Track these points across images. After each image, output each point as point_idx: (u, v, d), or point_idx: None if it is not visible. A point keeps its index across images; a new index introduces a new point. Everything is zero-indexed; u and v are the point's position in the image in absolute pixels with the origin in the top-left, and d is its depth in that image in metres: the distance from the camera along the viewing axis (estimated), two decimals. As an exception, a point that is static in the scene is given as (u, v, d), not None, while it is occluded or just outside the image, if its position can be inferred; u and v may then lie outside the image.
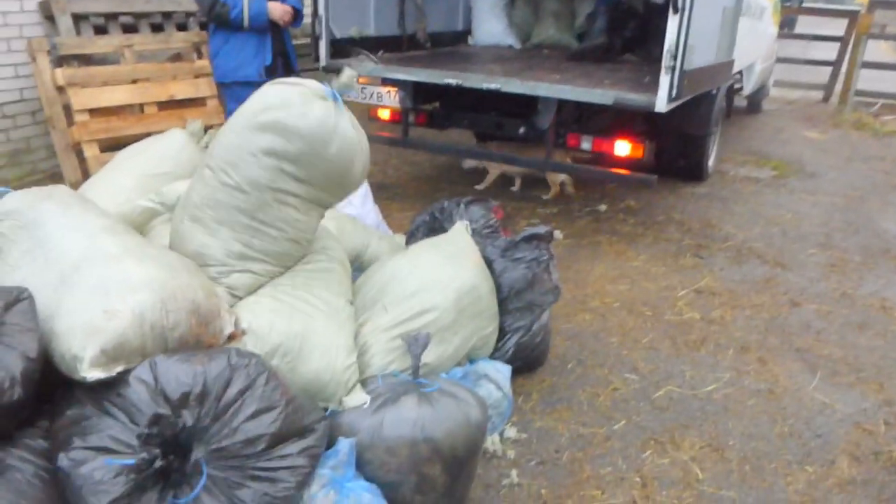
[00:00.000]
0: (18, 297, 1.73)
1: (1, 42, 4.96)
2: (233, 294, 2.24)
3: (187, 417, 1.65)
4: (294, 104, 2.12)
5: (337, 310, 2.36)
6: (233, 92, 4.67)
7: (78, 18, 5.21)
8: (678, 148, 5.85)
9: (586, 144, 4.74)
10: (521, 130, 4.84)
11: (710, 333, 3.66)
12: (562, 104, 4.50)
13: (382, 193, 4.95)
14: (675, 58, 3.87)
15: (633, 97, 4.16)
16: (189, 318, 1.90)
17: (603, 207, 5.50)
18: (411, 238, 3.55)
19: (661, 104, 3.99)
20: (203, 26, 5.82)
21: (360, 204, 3.62)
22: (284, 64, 4.79)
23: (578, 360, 3.33)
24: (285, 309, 2.21)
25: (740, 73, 6.69)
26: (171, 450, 1.64)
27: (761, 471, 2.66)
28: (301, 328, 2.17)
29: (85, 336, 1.70)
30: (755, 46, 6.79)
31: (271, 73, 4.58)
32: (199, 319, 1.94)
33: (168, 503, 1.62)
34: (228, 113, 4.68)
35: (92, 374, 1.66)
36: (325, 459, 2.01)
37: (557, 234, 4.91)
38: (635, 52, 6.31)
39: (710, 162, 6.33)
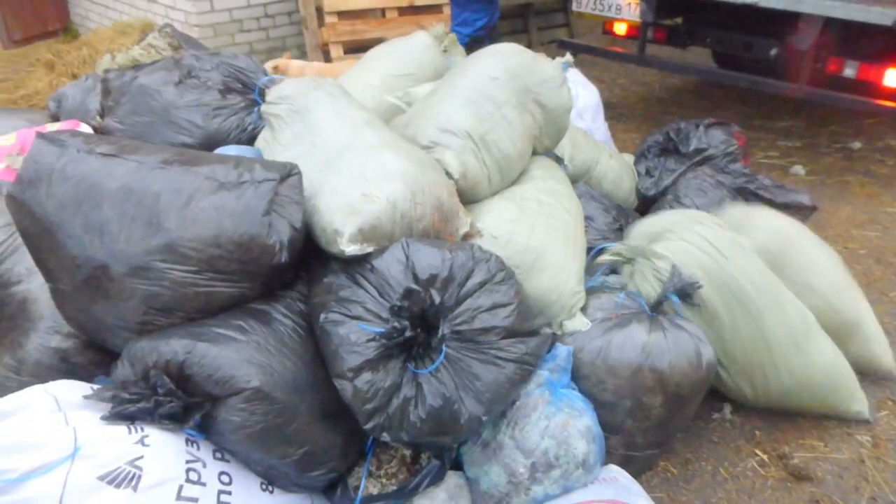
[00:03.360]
0: (290, 172, 1.91)
1: (268, -54, 5.38)
2: (462, 176, 2.25)
3: (435, 296, 1.76)
4: (556, 84, 2.55)
5: (574, 234, 2.35)
6: (469, 4, 4.71)
7: (335, -77, 5.48)
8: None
9: (850, 71, 4.18)
10: (774, 52, 4.39)
11: (975, 297, 3.20)
12: (827, 24, 3.99)
13: (608, 112, 4.76)
14: None
15: (922, 18, 3.58)
16: (433, 212, 2.01)
17: (857, 145, 4.90)
18: (641, 159, 3.43)
19: (958, 27, 3.40)
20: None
21: (592, 119, 3.53)
22: None
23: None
24: (528, 221, 2.23)
25: None
26: (418, 324, 1.77)
27: None
28: (539, 244, 2.19)
29: (345, 215, 1.85)
30: None
31: None
32: (441, 216, 2.04)
33: (409, 371, 1.77)
34: (464, 24, 4.74)
35: (350, 248, 1.81)
36: (544, 362, 2.06)
37: (798, 169, 4.48)
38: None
39: None
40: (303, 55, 5.72)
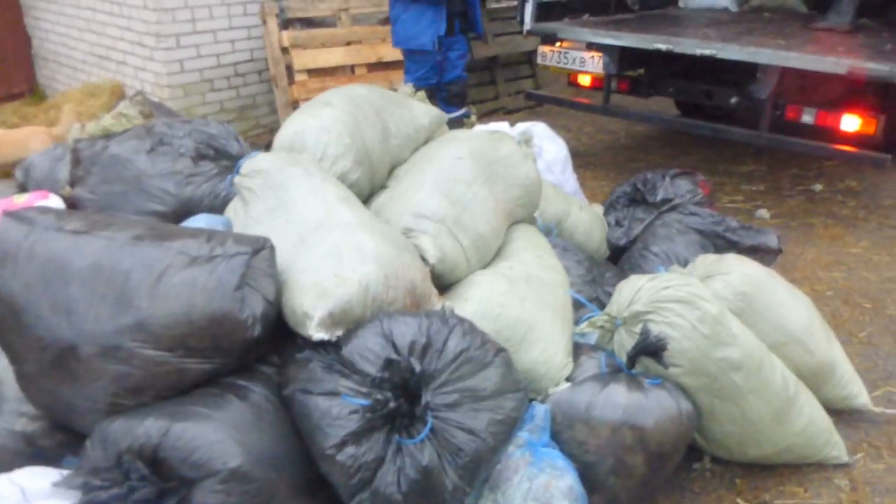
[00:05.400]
0: (263, 245, 1.89)
1: (238, 6, 5.46)
2: (439, 261, 2.26)
3: (415, 364, 1.76)
4: (517, 159, 2.64)
5: (564, 306, 2.37)
6: (410, 58, 4.82)
7: (303, -16, 5.60)
8: (917, 124, 5.17)
9: (808, 118, 4.33)
10: (734, 101, 4.53)
11: (941, 335, 3.26)
12: (784, 73, 4.14)
13: (575, 161, 4.86)
14: (929, 23, 3.41)
15: (873, 66, 3.74)
16: (406, 296, 1.98)
17: (818, 187, 5.04)
18: (610, 209, 3.48)
19: (906, 75, 3.55)
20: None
21: (560, 171, 3.60)
22: (462, 27, 4.83)
23: (784, 349, 3.12)
24: (518, 293, 2.24)
25: None
26: (400, 394, 1.76)
27: None
28: (529, 317, 2.20)
29: (315, 297, 1.82)
30: None
31: (447, 36, 4.65)
32: (414, 300, 2.02)
33: (394, 443, 1.75)
34: (407, 72, 4.84)
35: (318, 333, 1.79)
36: (522, 423, 2.05)
37: (763, 213, 4.58)
38: (872, 17, 5.62)
39: (955, 142, 5.54)
40: (273, 112, 5.78)
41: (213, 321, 1.70)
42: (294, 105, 5.36)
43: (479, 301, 2.19)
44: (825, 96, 4.52)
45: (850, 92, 4.39)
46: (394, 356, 1.76)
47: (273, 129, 5.75)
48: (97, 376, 1.66)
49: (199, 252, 1.76)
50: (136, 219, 2.21)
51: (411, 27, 4.66)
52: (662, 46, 4.43)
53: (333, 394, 1.76)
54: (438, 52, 4.60)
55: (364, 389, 1.76)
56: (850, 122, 4.18)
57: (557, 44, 5.08)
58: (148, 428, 1.60)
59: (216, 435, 1.61)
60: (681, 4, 6.55)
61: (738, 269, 2.54)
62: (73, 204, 2.53)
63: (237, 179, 2.28)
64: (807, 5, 6.28)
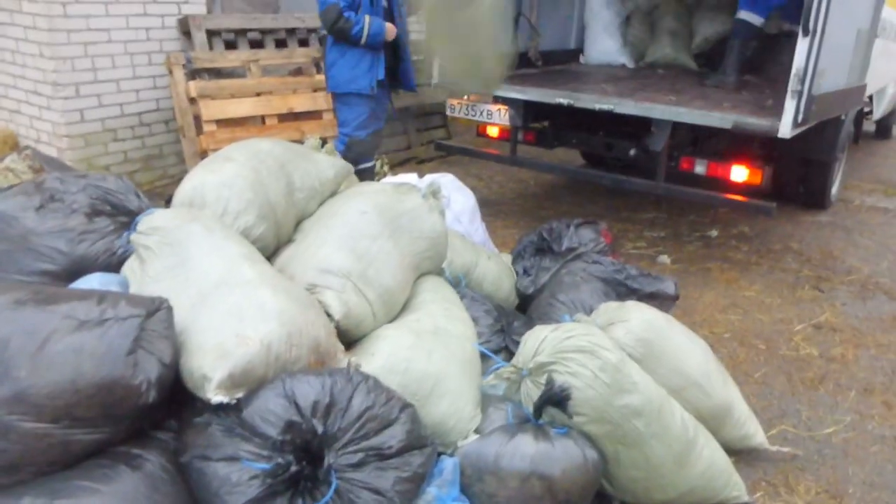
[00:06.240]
0: (159, 306, 1.83)
1: (143, 56, 5.35)
2: (344, 316, 2.25)
3: (317, 426, 1.72)
4: (422, 212, 2.68)
5: (472, 358, 2.38)
6: (345, 101, 4.83)
7: (211, 34, 5.56)
8: (799, 173, 5.58)
9: (700, 168, 4.60)
10: (632, 152, 4.76)
11: (829, 372, 3.46)
12: (676, 127, 4.39)
13: (486, 210, 4.98)
14: (802, 82, 3.71)
15: (755, 121, 4.01)
16: (309, 354, 1.95)
17: (714, 233, 5.32)
18: (518, 259, 3.55)
19: (786, 129, 3.83)
20: (322, 42, 6.07)
21: (469, 221, 3.65)
22: (392, 82, 4.91)
23: (686, 391, 3.23)
24: (425, 347, 2.24)
25: (870, 97, 6.31)
26: (303, 457, 1.71)
27: (885, 525, 2.49)
28: (436, 370, 2.19)
29: (215, 358, 1.76)
30: (889, 69, 6.40)
31: (382, 87, 4.71)
32: (318, 357, 1.99)
33: None
34: (340, 121, 4.85)
35: (217, 396, 1.72)
36: (430, 477, 2.02)
37: (664, 258, 4.78)
38: (755, 73, 6.07)
39: (834, 189, 6.00)
40: (181, 162, 5.64)
41: (102, 388, 1.61)
42: (203, 155, 5.25)
43: (385, 355, 2.17)
44: (715, 149, 4.82)
45: (738, 144, 4.71)
46: (295, 418, 1.71)
47: (180, 180, 5.61)
48: (-32, 453, 1.54)
49: (88, 315, 1.68)
50: (19, 282, 2.09)
51: (349, 71, 4.67)
52: (564, 101, 4.63)
53: (233, 459, 1.69)
54: (373, 98, 4.64)
55: (265, 453, 1.70)
56: (739, 173, 4.46)
57: (465, 97, 5.22)
58: (25, 508, 1.49)
59: (102, 512, 1.51)
60: (581, 60, 6.89)
61: (638, 316, 2.63)
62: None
63: (134, 237, 2.20)
64: (697, 63, 6.72)
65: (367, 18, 4.50)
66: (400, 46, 4.83)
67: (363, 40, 4.60)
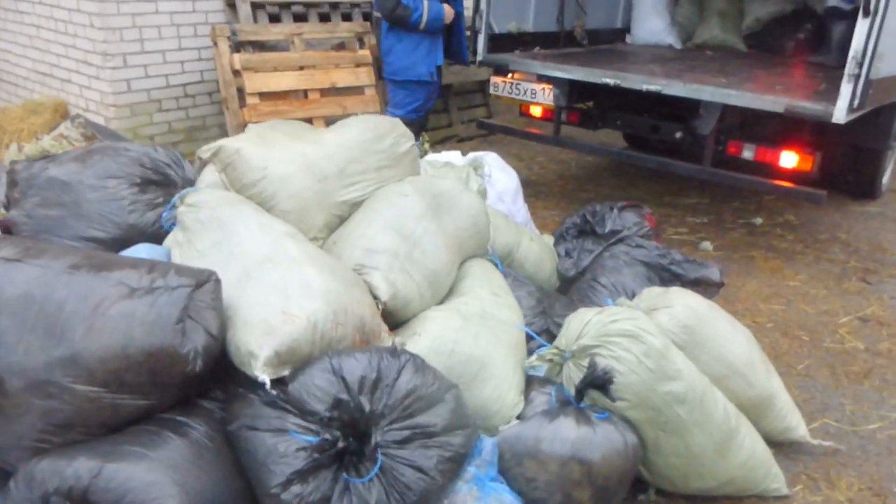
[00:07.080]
0: (208, 278, 1.85)
1: (188, 27, 5.39)
2: (392, 297, 2.23)
3: (364, 403, 1.72)
4: (457, 191, 2.69)
5: (518, 344, 2.36)
6: (402, 86, 4.78)
7: (255, 7, 5.57)
8: (850, 161, 5.40)
9: (748, 153, 4.48)
10: (678, 135, 4.66)
11: (875, 366, 3.38)
12: (725, 110, 4.28)
13: (527, 190, 4.93)
14: (860, 65, 3.58)
15: (808, 106, 3.89)
16: (355, 333, 1.95)
17: (759, 220, 5.20)
18: (560, 240, 3.52)
19: (840, 115, 3.71)
20: (366, 17, 6.04)
21: (512, 201, 3.62)
22: (446, 55, 4.86)
23: (726, 380, 3.18)
24: (472, 330, 2.23)
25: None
26: (349, 433, 1.72)
27: (930, 525, 2.44)
28: (483, 353, 2.19)
29: (262, 335, 1.77)
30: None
31: (439, 70, 4.68)
32: (363, 337, 1.99)
33: (342, 482, 1.71)
34: (393, 102, 4.80)
35: (263, 373, 1.73)
36: (470, 458, 2.04)
37: (707, 245, 4.70)
38: (810, 55, 5.88)
39: (886, 179, 5.81)
40: (224, 134, 5.68)
41: (150, 355, 1.64)
42: (245, 128, 5.29)
43: (432, 336, 2.16)
44: (765, 133, 4.69)
45: (786, 129, 4.57)
46: (343, 395, 1.72)
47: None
48: (24, 411, 1.59)
49: (139, 283, 1.70)
50: (73, 246, 2.14)
51: (406, 58, 4.63)
52: (610, 81, 4.54)
53: (281, 431, 1.72)
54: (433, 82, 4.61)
55: (312, 427, 1.72)
56: (789, 159, 4.34)
57: (509, 75, 5.16)
58: (78, 468, 1.53)
59: (151, 476, 1.55)
60: (627, 40, 6.75)
61: (682, 303, 2.59)
62: (7, 228, 2.43)
63: (182, 210, 2.23)
64: (746, 44, 6.54)
65: (425, 4, 4.44)
66: (455, 22, 4.77)
67: (422, 26, 4.55)
